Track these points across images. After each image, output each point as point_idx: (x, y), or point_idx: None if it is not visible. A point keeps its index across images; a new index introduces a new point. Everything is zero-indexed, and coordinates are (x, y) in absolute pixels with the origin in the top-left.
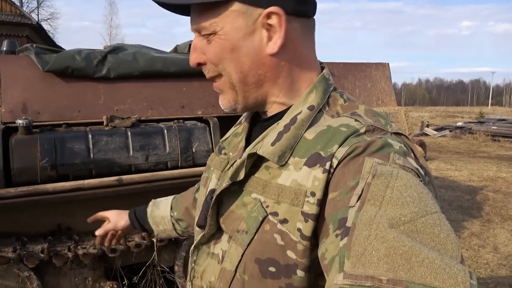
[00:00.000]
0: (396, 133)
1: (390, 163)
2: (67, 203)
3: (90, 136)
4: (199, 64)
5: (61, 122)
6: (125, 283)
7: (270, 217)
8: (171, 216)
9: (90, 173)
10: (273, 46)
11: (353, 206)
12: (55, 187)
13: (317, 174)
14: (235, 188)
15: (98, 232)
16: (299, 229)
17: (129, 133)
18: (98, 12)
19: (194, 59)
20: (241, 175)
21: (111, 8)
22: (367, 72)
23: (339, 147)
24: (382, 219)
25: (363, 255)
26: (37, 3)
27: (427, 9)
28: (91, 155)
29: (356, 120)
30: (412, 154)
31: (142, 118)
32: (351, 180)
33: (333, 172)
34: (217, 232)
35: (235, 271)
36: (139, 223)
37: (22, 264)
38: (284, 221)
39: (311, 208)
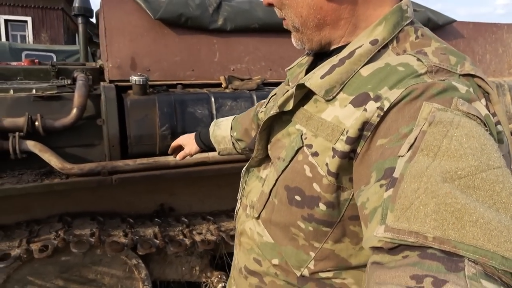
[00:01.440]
0: (467, 75)
1: (452, 109)
2: (173, 180)
3: (213, 99)
4: (270, 4)
5: (175, 82)
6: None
7: (304, 148)
8: (231, 136)
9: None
10: None
11: (403, 155)
12: (177, 160)
13: (359, 115)
14: (286, 118)
15: (178, 158)
16: (327, 164)
17: (255, 97)
18: None
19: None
20: (290, 105)
21: None
22: (498, 34)
23: (393, 88)
24: (435, 172)
25: (409, 209)
26: None
27: None
28: None
29: (418, 60)
30: (483, 100)
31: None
32: (404, 127)
33: (383, 116)
34: (267, 158)
35: (269, 194)
36: (203, 143)
37: (130, 251)
38: (315, 154)
39: (342, 145)
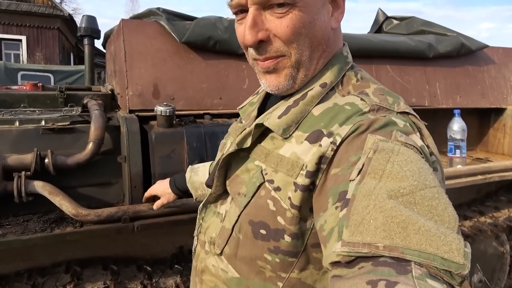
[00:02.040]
0: (403, 112)
1: (392, 140)
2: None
3: None
4: (260, 42)
5: (201, 112)
6: None
7: (266, 183)
8: None
9: None
10: (335, 20)
11: (354, 179)
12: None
13: (316, 150)
14: (244, 155)
15: (155, 207)
16: (289, 198)
17: None
18: (118, 10)
19: (256, 35)
20: (248, 143)
21: (133, 5)
22: None
23: (342, 125)
24: (381, 191)
25: (361, 224)
26: None
27: (446, 10)
28: None
29: (361, 100)
30: (417, 133)
31: None
32: (353, 156)
33: (336, 150)
34: (224, 194)
35: (232, 230)
36: (180, 190)
37: None
38: (277, 189)
39: (302, 179)
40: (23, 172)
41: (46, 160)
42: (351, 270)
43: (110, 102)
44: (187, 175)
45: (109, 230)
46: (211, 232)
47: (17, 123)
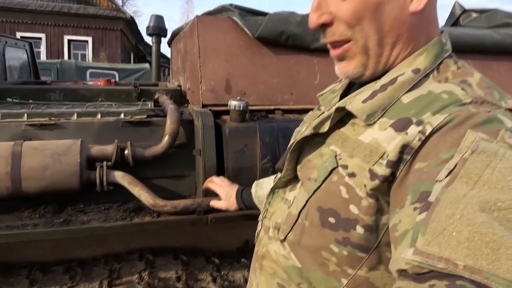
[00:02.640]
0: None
1: (497, 141)
2: None
3: None
4: (323, 25)
5: (272, 107)
6: None
7: (339, 168)
8: None
9: None
10: (419, 3)
11: (441, 180)
12: None
13: (400, 139)
14: (318, 140)
15: (215, 207)
16: (365, 185)
17: None
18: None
19: (318, 18)
20: (325, 127)
21: (188, 6)
22: None
23: (436, 114)
24: (473, 200)
25: (441, 234)
26: (122, 2)
27: None
28: None
29: (462, 89)
30: None
31: None
32: (444, 152)
33: (425, 140)
34: (294, 180)
35: (298, 215)
36: (244, 204)
37: None
38: (352, 175)
39: (381, 169)
40: (104, 162)
41: (126, 152)
42: (420, 285)
43: (179, 97)
44: (253, 190)
45: (184, 221)
46: (276, 218)
47: (99, 116)
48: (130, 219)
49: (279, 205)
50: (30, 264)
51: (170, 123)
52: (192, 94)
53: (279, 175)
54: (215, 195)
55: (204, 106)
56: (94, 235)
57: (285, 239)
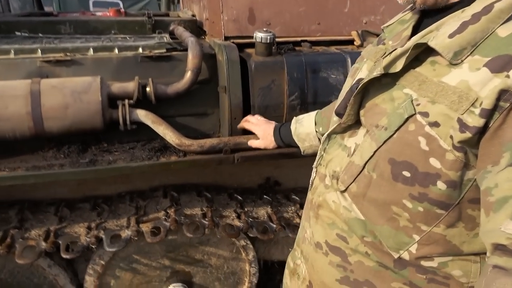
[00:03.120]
0: None
1: None
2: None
3: (349, 61)
4: None
5: (299, 39)
6: None
7: (418, 116)
8: (316, 131)
9: None
10: None
11: None
12: None
13: (499, 82)
14: (386, 81)
15: (253, 146)
16: (451, 137)
17: None
18: None
19: None
20: (398, 66)
21: None
22: None
23: None
24: None
25: None
26: None
27: None
28: None
29: None
30: None
31: None
32: None
33: None
34: (355, 125)
35: (363, 167)
36: (283, 141)
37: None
38: (434, 124)
39: (473, 119)
40: (126, 101)
41: (148, 89)
42: None
43: (195, 29)
44: (292, 127)
45: (211, 160)
46: (334, 166)
47: (116, 50)
48: (157, 159)
49: (336, 152)
50: (57, 201)
51: (192, 58)
52: (212, 25)
53: (334, 118)
54: (241, 133)
55: (226, 38)
56: (120, 175)
57: (346, 190)
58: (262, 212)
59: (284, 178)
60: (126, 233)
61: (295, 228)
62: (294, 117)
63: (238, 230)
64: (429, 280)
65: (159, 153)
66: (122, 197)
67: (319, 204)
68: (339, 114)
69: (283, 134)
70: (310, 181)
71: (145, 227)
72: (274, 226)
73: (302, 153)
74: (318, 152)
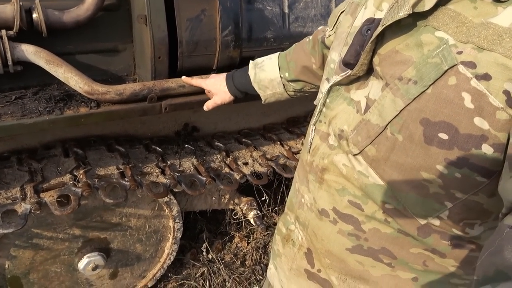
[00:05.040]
0: None
1: None
2: None
3: None
4: None
5: None
6: (264, 198)
7: (461, 67)
8: (281, 77)
9: None
10: None
11: None
12: None
13: None
14: (408, 21)
15: (206, 108)
16: (506, 92)
17: None
18: None
19: None
20: (428, 3)
21: None
22: None
23: None
24: None
25: None
26: None
27: None
28: (286, 25)
29: None
30: None
31: None
32: None
33: None
34: (364, 75)
35: (385, 127)
36: (239, 91)
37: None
38: (484, 77)
39: None
40: (3, 31)
41: (35, 15)
42: None
43: None
44: (251, 72)
45: (132, 111)
46: (340, 124)
47: None
48: (60, 112)
49: (341, 106)
50: None
51: None
52: None
53: (331, 66)
54: (167, 77)
55: None
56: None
57: (360, 153)
58: (188, 164)
59: (202, 123)
60: (23, 207)
61: (224, 178)
62: (251, 61)
63: (166, 188)
64: (454, 246)
65: (61, 103)
66: (5, 159)
67: (324, 168)
68: (348, 65)
69: (238, 82)
70: (307, 141)
71: (49, 197)
72: (204, 178)
73: (263, 102)
74: (318, 105)
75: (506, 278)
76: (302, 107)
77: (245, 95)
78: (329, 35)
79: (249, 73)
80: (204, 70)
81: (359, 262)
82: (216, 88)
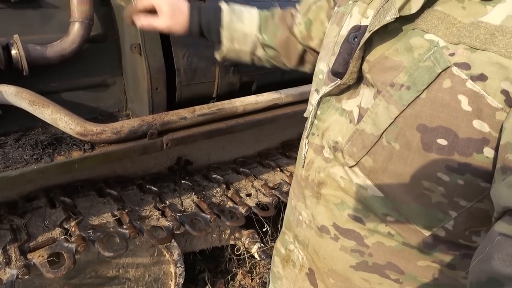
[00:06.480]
0: None
1: None
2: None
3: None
4: None
5: None
6: (266, 229)
7: (455, 69)
8: (257, 37)
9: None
10: None
11: None
12: (245, 103)
13: None
14: (394, 27)
15: (140, 24)
16: (504, 92)
17: None
18: None
19: None
20: (414, 6)
21: None
22: None
23: None
24: None
25: None
26: None
27: None
28: None
29: None
30: None
31: None
32: None
33: None
34: (354, 84)
35: (380, 136)
36: (201, 31)
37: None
38: (480, 78)
39: None
40: None
41: (14, 52)
42: None
43: None
44: (226, 17)
45: (131, 150)
46: (334, 135)
47: None
48: (50, 159)
49: (333, 117)
50: None
51: (78, 4)
52: None
53: (319, 76)
54: (164, 109)
55: None
56: None
57: (356, 164)
58: (189, 202)
59: (195, 156)
60: (8, 273)
61: (233, 216)
62: (224, 3)
63: (170, 232)
64: (462, 256)
65: (50, 149)
66: None
67: (321, 182)
68: (338, 74)
69: (204, 20)
70: (301, 155)
71: (38, 257)
72: (208, 216)
73: (218, 57)
74: (309, 117)
75: (499, 285)
76: (295, 129)
77: (199, 35)
78: (299, 23)
79: (223, 16)
80: (204, 99)
81: (365, 279)
82: (174, 13)
